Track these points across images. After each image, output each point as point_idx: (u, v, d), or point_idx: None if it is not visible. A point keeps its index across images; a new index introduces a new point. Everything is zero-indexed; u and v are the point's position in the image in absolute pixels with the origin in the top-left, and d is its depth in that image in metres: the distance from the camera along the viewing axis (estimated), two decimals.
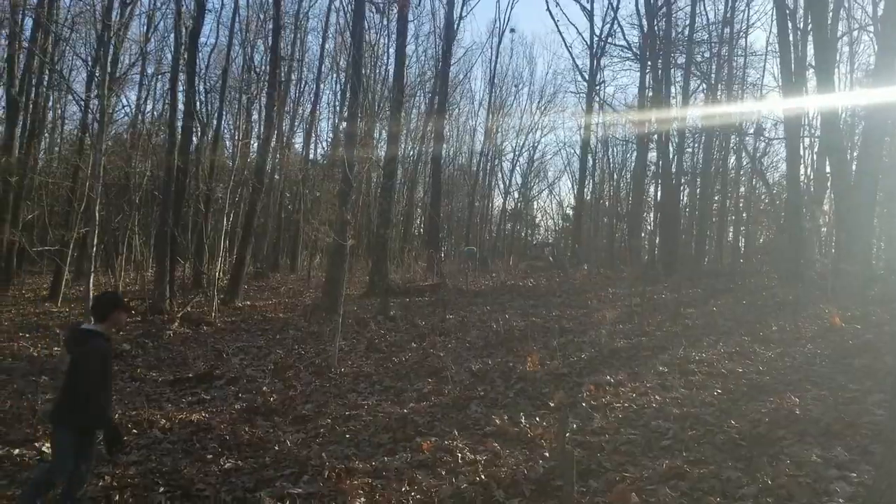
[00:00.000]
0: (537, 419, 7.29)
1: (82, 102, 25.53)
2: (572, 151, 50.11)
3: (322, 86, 39.22)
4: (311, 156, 38.42)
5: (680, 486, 5.10)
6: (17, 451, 6.96)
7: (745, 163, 32.84)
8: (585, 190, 39.91)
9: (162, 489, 5.84)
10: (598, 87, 36.31)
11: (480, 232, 48.90)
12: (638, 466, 5.63)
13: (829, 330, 10.77)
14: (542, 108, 49.74)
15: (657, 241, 29.66)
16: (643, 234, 35.81)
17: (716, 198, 32.40)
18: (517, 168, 53.33)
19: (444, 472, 5.83)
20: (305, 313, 16.82)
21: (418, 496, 5.32)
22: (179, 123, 20.82)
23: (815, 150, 27.27)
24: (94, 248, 16.28)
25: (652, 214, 37.24)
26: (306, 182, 31.83)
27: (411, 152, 41.68)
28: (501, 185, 53.68)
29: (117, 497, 5.72)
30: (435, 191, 29.70)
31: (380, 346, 12.17)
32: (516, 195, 53.87)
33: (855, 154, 20.55)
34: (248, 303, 19.60)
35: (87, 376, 4.84)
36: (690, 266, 24.82)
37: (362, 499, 5.30)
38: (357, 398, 8.79)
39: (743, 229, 35.60)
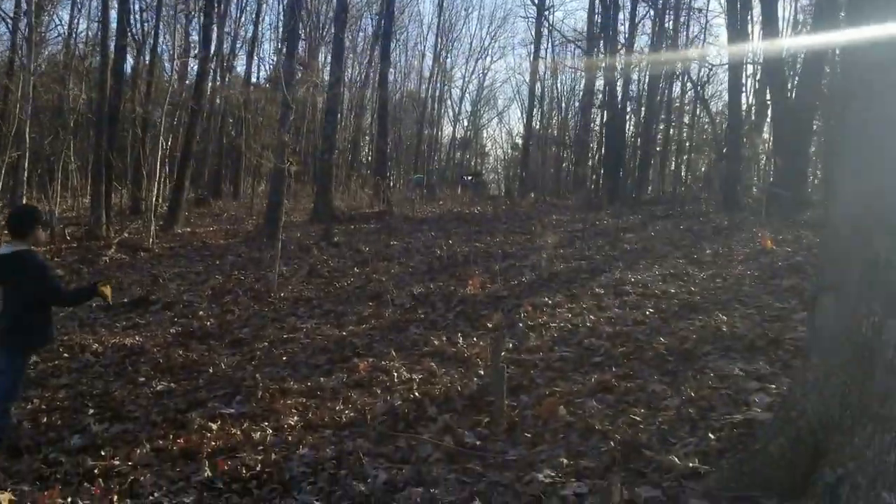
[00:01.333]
0: (475, 339, 7.37)
1: (10, 22, 24.06)
2: (522, 79, 49.67)
3: (264, 6, 37.71)
4: (254, 79, 37.21)
5: (607, 398, 5.24)
6: None
7: (688, 90, 33.06)
8: (534, 118, 39.74)
9: (91, 411, 5.75)
10: (547, 12, 35.82)
11: (429, 160, 48.51)
12: (569, 382, 5.75)
13: (760, 252, 11.07)
14: (492, 33, 48.88)
15: (601, 169, 29.87)
16: (589, 163, 36.02)
17: (660, 127, 32.63)
18: (467, 95, 52.71)
19: (379, 391, 5.87)
20: (246, 239, 16.56)
21: (352, 414, 5.36)
22: (112, 43, 19.79)
23: (758, 77, 27.56)
24: (26, 173, 15.65)
25: (597, 143, 37.38)
26: (248, 106, 30.85)
27: (358, 77, 40.73)
28: (451, 113, 53.11)
29: (45, 419, 5.62)
30: (382, 117, 29.19)
31: (321, 272, 12.08)
32: (466, 123, 53.43)
33: (796, 81, 20.79)
34: (188, 229, 19.18)
35: (50, 290, 4.88)
36: (633, 193, 25.14)
37: (296, 417, 5.31)
38: (296, 322, 8.74)
39: (686, 158, 36.07)
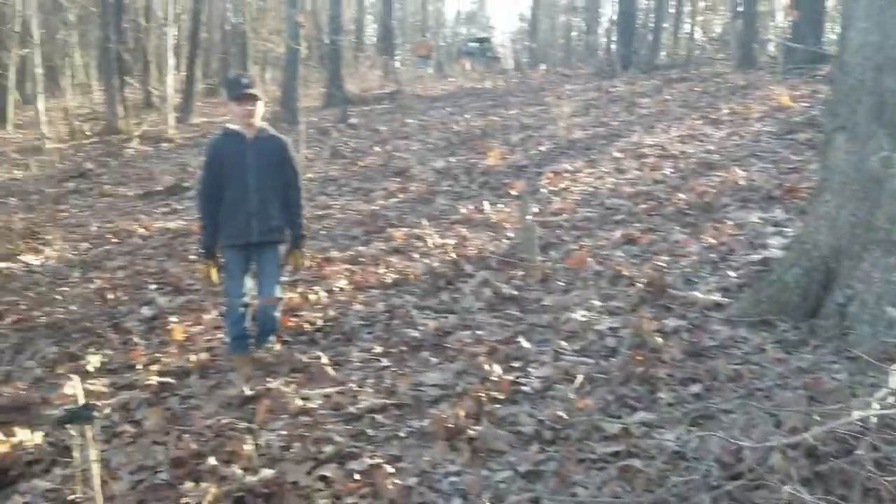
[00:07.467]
0: (500, 206, 7.71)
1: None
2: None
3: None
4: None
5: (632, 249, 5.62)
6: (3, 265, 7.27)
7: None
8: None
9: (153, 286, 6.22)
10: None
11: (435, 36, 47.26)
12: (594, 237, 6.13)
13: (777, 109, 11.13)
14: None
15: (614, 35, 29.17)
16: (599, 30, 35.10)
17: None
18: None
19: (416, 255, 6.28)
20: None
21: (395, 275, 5.78)
22: None
23: None
24: (39, 68, 15.74)
25: (609, 8, 36.19)
26: None
27: None
28: None
29: (111, 295, 6.10)
30: None
31: (343, 153, 12.32)
32: None
33: None
34: (204, 119, 19.29)
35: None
36: (647, 59, 24.70)
37: (344, 281, 5.75)
38: (327, 200, 9.10)
39: (700, 19, 34.97)
